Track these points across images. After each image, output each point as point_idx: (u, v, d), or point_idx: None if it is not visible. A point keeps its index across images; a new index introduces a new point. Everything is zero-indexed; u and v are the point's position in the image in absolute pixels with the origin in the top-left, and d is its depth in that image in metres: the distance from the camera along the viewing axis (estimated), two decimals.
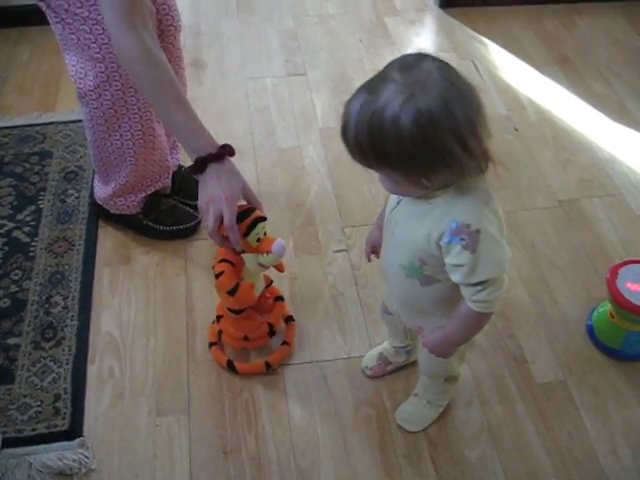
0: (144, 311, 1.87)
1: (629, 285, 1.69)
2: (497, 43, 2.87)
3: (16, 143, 2.35)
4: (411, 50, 2.78)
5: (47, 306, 1.86)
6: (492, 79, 2.68)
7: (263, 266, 1.58)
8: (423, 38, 2.93)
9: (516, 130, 2.45)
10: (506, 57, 2.80)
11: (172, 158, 2.12)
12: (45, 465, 1.56)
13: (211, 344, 1.77)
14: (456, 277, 1.17)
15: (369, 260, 1.51)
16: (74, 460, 1.57)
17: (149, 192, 2.00)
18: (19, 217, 2.10)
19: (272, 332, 1.73)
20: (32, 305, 1.87)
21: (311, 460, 1.59)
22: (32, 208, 2.13)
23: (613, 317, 1.76)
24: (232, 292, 1.57)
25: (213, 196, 1.46)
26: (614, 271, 1.73)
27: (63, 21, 1.62)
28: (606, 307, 1.80)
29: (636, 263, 1.75)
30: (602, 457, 1.60)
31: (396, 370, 1.74)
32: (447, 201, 1.13)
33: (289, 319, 1.82)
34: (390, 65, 1.06)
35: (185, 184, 2.12)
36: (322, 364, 1.76)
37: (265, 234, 1.52)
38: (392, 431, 1.64)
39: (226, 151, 1.51)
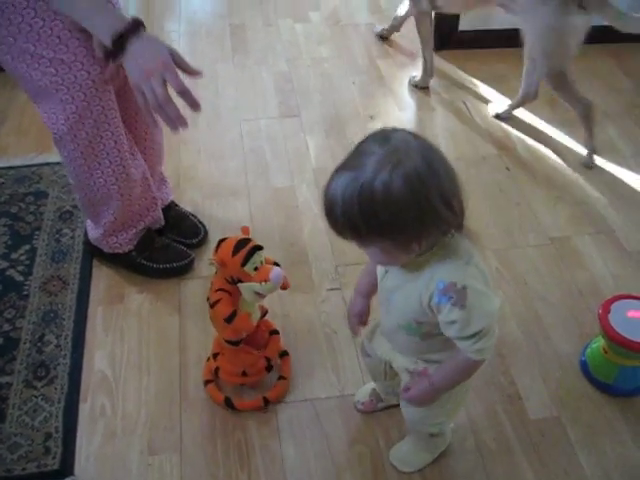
0: (137, 350, 1.87)
1: (630, 313, 1.71)
2: (487, 84, 2.92)
3: (12, 183, 2.37)
4: (404, 92, 2.83)
5: (40, 345, 1.86)
6: (483, 119, 2.72)
7: (260, 295, 1.58)
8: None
9: (507, 169, 2.48)
10: (496, 98, 2.84)
11: (161, 193, 2.14)
12: None
13: (207, 382, 1.76)
14: (450, 333, 1.20)
15: (357, 335, 1.52)
16: None
17: (140, 227, 2.01)
18: (14, 256, 2.11)
19: (269, 366, 1.72)
20: (25, 344, 1.86)
21: None
22: (27, 247, 2.14)
23: (606, 352, 1.76)
24: (229, 320, 1.55)
25: (148, 69, 1.41)
26: (606, 306, 1.73)
27: (29, 67, 1.60)
28: (599, 342, 1.80)
29: (627, 298, 1.76)
30: None
31: (388, 408, 1.73)
32: (432, 265, 1.17)
33: (284, 354, 1.82)
34: (364, 142, 1.09)
35: (178, 222, 2.14)
36: (315, 402, 1.75)
37: (262, 262, 1.54)
38: (386, 469, 1.62)
39: (140, 22, 1.46)
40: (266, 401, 1.72)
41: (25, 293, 2.00)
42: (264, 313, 1.75)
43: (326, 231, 2.19)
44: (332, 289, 2.03)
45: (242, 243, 1.53)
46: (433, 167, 1.05)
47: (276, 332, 1.81)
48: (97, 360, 1.85)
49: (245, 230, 1.61)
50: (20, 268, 2.07)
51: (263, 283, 1.53)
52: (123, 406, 1.74)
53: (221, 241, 1.56)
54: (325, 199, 1.09)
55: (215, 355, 1.75)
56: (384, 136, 1.07)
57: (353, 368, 1.82)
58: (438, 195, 1.05)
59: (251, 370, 1.71)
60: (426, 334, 1.28)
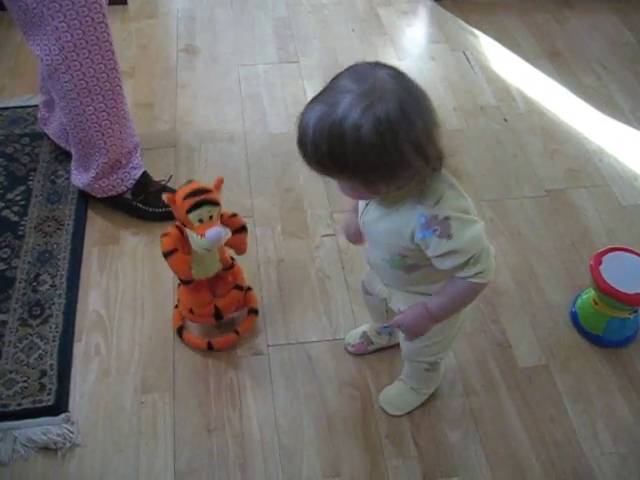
0: (131, 290, 1.88)
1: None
2: (489, 35, 2.89)
3: (7, 124, 2.35)
4: (404, 40, 2.81)
5: (35, 284, 1.87)
6: (483, 70, 2.70)
7: (201, 248, 1.57)
8: (415, 29, 2.94)
9: (505, 120, 2.47)
10: (497, 49, 2.82)
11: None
12: (30, 439, 1.57)
13: (179, 330, 1.78)
14: (445, 264, 1.20)
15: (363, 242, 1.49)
16: (59, 435, 1.57)
17: (129, 167, 2.02)
18: (9, 196, 2.10)
19: (219, 316, 1.72)
20: (20, 283, 1.87)
21: (294, 439, 1.60)
22: (22, 188, 2.13)
23: (596, 304, 1.78)
24: (165, 255, 1.59)
25: None
26: (598, 258, 1.75)
27: None
28: (590, 294, 1.81)
29: (619, 251, 1.77)
30: (583, 440, 1.62)
31: (378, 351, 1.75)
32: (409, 200, 1.16)
33: (253, 311, 1.82)
34: (342, 75, 1.08)
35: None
36: (307, 345, 1.77)
37: (211, 218, 1.54)
38: (375, 412, 1.65)
39: None
40: (237, 333, 1.75)
41: (20, 233, 2.00)
42: (229, 266, 1.73)
43: (322, 178, 2.18)
44: (327, 235, 2.03)
45: (197, 192, 1.53)
46: (406, 112, 1.03)
47: (248, 288, 1.83)
48: (92, 300, 1.86)
49: (218, 182, 1.59)
50: (15, 209, 2.07)
51: (199, 237, 1.53)
52: (117, 345, 1.76)
53: (190, 181, 1.58)
54: (298, 128, 1.08)
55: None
56: (363, 74, 1.06)
57: (345, 312, 1.84)
58: (408, 142, 1.03)
59: (198, 311, 1.71)
60: (410, 267, 1.28)
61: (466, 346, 1.79)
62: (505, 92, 2.60)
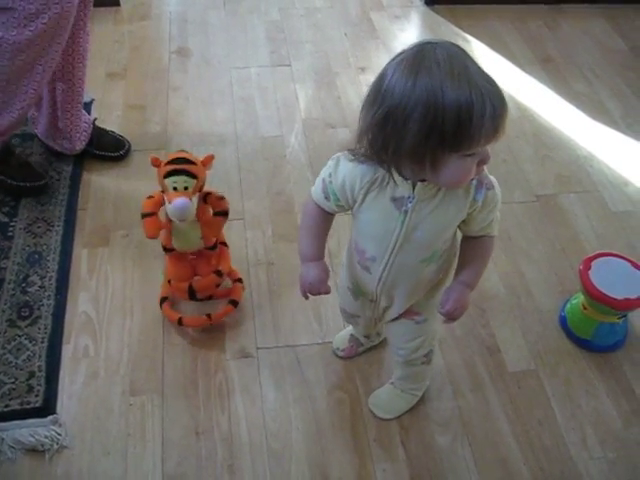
0: (121, 292, 1.88)
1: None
2: (481, 41, 2.90)
3: None
4: (397, 45, 2.81)
5: (24, 285, 1.86)
6: None
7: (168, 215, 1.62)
8: (407, 34, 2.95)
9: None
10: (489, 55, 2.83)
11: (83, 120, 2.19)
12: (17, 441, 1.56)
13: (162, 300, 1.81)
14: (489, 217, 1.24)
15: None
16: (46, 436, 1.56)
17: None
18: (1, 191, 2.10)
19: (192, 294, 1.74)
20: (9, 284, 1.86)
21: (283, 442, 1.60)
22: None
23: (585, 309, 1.78)
24: (142, 215, 1.63)
25: None
26: (587, 263, 1.75)
27: None
28: (579, 299, 1.82)
29: (608, 256, 1.78)
30: (571, 445, 1.62)
31: (368, 351, 1.76)
32: None
33: (232, 302, 1.83)
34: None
35: (98, 138, 2.23)
36: (297, 348, 1.77)
37: (187, 189, 1.57)
38: (364, 415, 1.65)
39: None
40: (209, 317, 1.76)
41: (10, 234, 1.99)
42: (211, 246, 1.73)
43: (313, 181, 2.18)
44: None
45: (179, 161, 1.58)
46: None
47: (237, 280, 1.85)
48: (81, 302, 1.85)
49: (206, 158, 1.63)
50: (5, 209, 2.06)
51: (168, 203, 1.58)
52: (106, 347, 1.76)
53: (182, 150, 1.66)
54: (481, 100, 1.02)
55: None
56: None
57: (335, 316, 1.83)
58: None
59: (175, 284, 1.74)
60: (442, 253, 1.29)
61: (455, 350, 1.79)
62: None
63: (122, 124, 2.38)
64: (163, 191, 1.62)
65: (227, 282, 1.86)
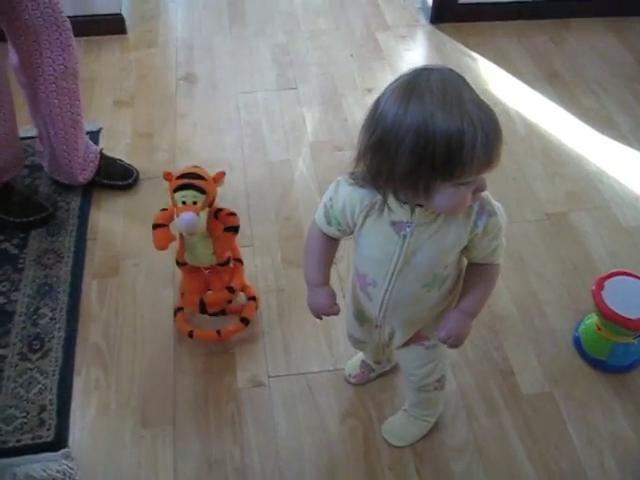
0: (131, 322, 1.87)
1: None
2: (487, 58, 2.90)
3: None
4: (403, 65, 2.81)
5: (35, 317, 1.86)
6: (482, 93, 2.62)
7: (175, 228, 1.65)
8: (414, 53, 2.95)
9: (505, 144, 2.44)
10: (496, 72, 2.82)
11: (89, 152, 2.20)
12: (29, 476, 1.55)
13: (176, 311, 1.85)
14: (492, 245, 1.22)
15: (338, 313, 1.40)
16: (58, 471, 1.56)
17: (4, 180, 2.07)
18: (8, 229, 2.10)
19: (203, 309, 1.76)
20: (20, 316, 1.87)
21: (296, 471, 1.58)
22: None
23: (599, 329, 1.76)
24: (153, 226, 1.68)
25: None
26: (600, 283, 1.73)
27: None
28: (592, 319, 1.80)
29: (622, 275, 1.76)
30: (589, 469, 1.60)
31: (380, 376, 1.74)
32: None
33: (243, 320, 1.84)
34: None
35: (106, 167, 2.25)
36: (308, 376, 1.76)
37: (195, 204, 1.59)
38: (377, 442, 1.63)
39: None
40: (219, 332, 1.79)
41: (20, 266, 2.00)
42: (223, 262, 1.74)
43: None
44: None
45: (189, 175, 1.60)
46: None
47: (252, 298, 1.87)
48: (92, 333, 1.85)
49: (218, 175, 1.65)
50: (15, 241, 2.07)
51: (176, 217, 1.60)
52: (117, 379, 1.75)
53: (195, 166, 1.66)
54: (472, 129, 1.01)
55: None
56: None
57: (346, 342, 1.80)
58: None
59: (187, 297, 1.78)
60: (444, 279, 1.27)
61: (468, 373, 1.77)
62: (504, 115, 2.59)
63: (130, 152, 2.39)
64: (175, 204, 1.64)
65: (242, 298, 1.87)
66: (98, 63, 2.84)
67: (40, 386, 1.72)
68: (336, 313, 1.37)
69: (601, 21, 3.15)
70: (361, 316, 1.45)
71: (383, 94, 1.07)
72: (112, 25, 2.98)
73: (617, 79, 2.81)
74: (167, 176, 1.63)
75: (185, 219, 1.58)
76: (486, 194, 1.17)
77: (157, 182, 2.26)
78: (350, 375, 1.74)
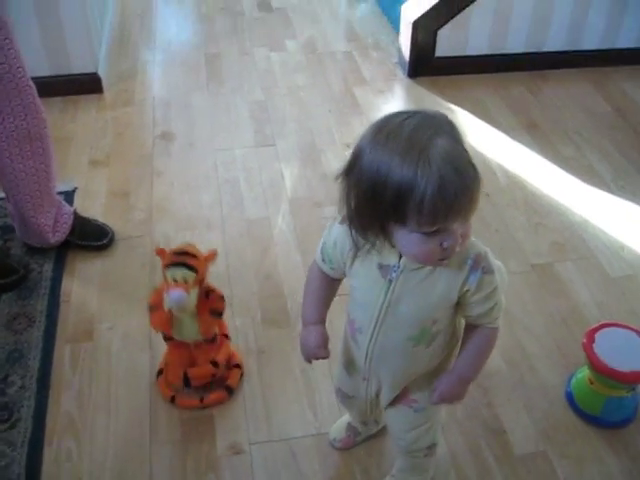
0: (106, 389, 1.79)
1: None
2: (466, 110, 2.90)
3: None
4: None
5: (3, 386, 1.78)
6: None
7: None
8: (392, 107, 2.95)
9: (487, 195, 2.43)
10: (475, 123, 2.82)
11: (62, 214, 2.14)
12: None
13: (160, 372, 1.81)
14: (486, 306, 1.16)
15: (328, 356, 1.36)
16: None
17: None
18: None
19: (187, 383, 1.73)
20: None
21: None
22: None
23: (592, 383, 1.70)
24: (149, 308, 1.68)
25: None
26: (590, 335, 1.68)
27: None
28: (584, 373, 1.74)
29: (612, 326, 1.71)
30: None
31: (366, 440, 1.66)
32: None
33: (227, 388, 1.79)
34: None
35: (81, 227, 2.19)
36: (291, 441, 1.68)
37: (185, 281, 1.57)
38: None
39: None
40: (202, 400, 1.74)
41: None
42: (210, 339, 1.72)
43: (302, 263, 2.14)
44: None
45: (182, 253, 1.60)
46: None
47: (235, 365, 1.82)
48: (64, 401, 1.77)
49: (210, 254, 1.65)
50: None
51: (165, 294, 1.58)
52: (90, 450, 1.66)
53: (188, 243, 1.68)
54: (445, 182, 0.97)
55: None
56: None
57: (331, 404, 1.75)
58: None
59: (171, 369, 1.75)
60: (434, 335, 1.22)
61: (459, 434, 1.70)
62: (485, 166, 2.58)
63: (106, 212, 2.34)
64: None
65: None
66: (74, 123, 2.81)
67: (7, 459, 1.62)
68: (325, 357, 1.33)
69: (576, 71, 3.18)
70: (349, 366, 1.40)
71: (365, 132, 1.06)
72: (88, 84, 2.96)
73: (596, 128, 2.81)
74: (159, 252, 1.63)
75: (174, 297, 1.57)
76: (486, 251, 1.14)
77: (133, 242, 2.22)
78: (335, 439, 1.66)
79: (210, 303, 1.68)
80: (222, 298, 1.70)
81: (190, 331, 1.68)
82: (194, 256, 1.61)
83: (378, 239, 1.08)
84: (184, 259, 1.59)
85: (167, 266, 1.59)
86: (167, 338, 1.72)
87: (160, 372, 1.80)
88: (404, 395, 1.35)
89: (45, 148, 1.99)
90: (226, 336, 1.82)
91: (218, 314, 1.69)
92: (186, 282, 1.57)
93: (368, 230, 1.07)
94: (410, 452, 1.45)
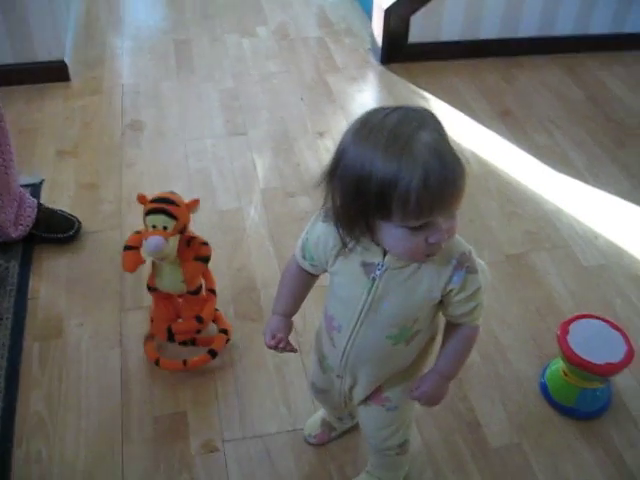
0: (76, 388, 1.76)
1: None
2: (439, 97, 2.88)
3: None
4: (354, 107, 2.77)
5: None
6: None
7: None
8: (365, 94, 2.92)
9: None
10: (448, 111, 2.80)
11: (25, 207, 2.10)
12: None
13: (147, 338, 1.83)
14: (469, 305, 1.15)
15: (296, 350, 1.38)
16: None
17: None
18: None
19: (170, 336, 1.75)
20: None
21: None
22: None
23: (566, 375, 1.70)
24: (124, 247, 1.68)
25: None
26: (564, 327, 1.68)
27: None
28: (559, 364, 1.74)
29: (585, 317, 1.71)
30: None
31: (342, 436, 1.65)
32: None
33: (210, 351, 1.79)
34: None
35: (47, 219, 2.15)
36: (266, 438, 1.66)
37: (166, 229, 1.59)
38: None
39: None
40: (185, 363, 1.75)
41: None
42: (194, 291, 1.74)
43: (275, 254, 2.11)
44: None
45: (162, 200, 1.61)
46: None
47: (223, 330, 1.83)
48: (33, 401, 1.73)
49: (192, 202, 1.66)
50: None
51: (144, 240, 1.60)
52: (61, 451, 1.63)
53: (172, 192, 1.68)
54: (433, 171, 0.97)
55: None
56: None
57: (305, 400, 1.73)
58: None
59: (155, 324, 1.77)
60: (414, 335, 1.21)
61: (434, 428, 1.69)
62: (459, 154, 2.55)
63: (74, 205, 2.29)
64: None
65: (213, 329, 1.82)
66: (40, 112, 2.74)
67: None
68: (292, 350, 1.35)
69: (550, 58, 3.16)
70: (323, 363, 1.38)
71: (347, 128, 1.05)
72: (55, 72, 2.89)
73: (569, 116, 2.81)
74: (141, 199, 1.63)
75: (152, 243, 1.57)
76: (470, 250, 1.13)
77: (102, 236, 2.18)
78: (310, 435, 1.64)
79: (194, 250, 1.67)
80: (205, 244, 1.70)
81: (173, 281, 1.68)
82: (175, 203, 1.61)
83: (365, 237, 1.07)
84: (164, 206, 1.59)
85: (147, 213, 1.60)
86: (151, 289, 1.74)
87: (148, 337, 1.81)
88: (377, 393, 1.34)
89: (2, 143, 1.94)
90: (213, 292, 1.81)
91: (204, 259, 1.69)
92: (165, 229, 1.58)
93: (355, 227, 1.06)
94: (381, 450, 1.44)
